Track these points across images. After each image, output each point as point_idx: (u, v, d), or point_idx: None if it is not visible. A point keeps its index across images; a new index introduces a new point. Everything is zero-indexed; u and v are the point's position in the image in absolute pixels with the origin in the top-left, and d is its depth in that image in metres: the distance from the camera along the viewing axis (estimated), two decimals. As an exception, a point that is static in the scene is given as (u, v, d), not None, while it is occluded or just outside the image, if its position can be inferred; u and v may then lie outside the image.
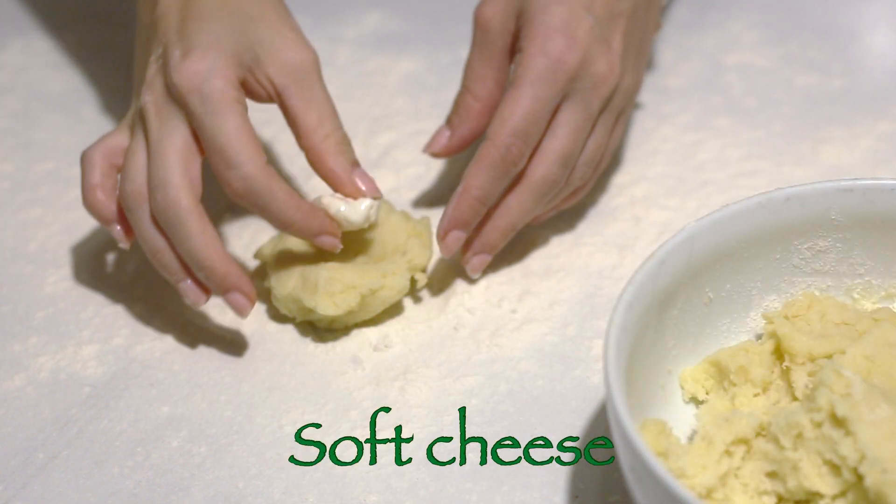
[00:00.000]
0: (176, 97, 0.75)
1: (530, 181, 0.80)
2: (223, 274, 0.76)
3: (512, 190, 0.80)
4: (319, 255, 0.80)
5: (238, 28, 0.77)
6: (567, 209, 0.87)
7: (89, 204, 0.79)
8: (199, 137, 0.76)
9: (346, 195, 0.79)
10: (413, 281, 0.82)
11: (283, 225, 0.77)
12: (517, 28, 0.81)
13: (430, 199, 0.90)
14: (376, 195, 0.80)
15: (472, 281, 0.84)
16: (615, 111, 0.82)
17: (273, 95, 0.78)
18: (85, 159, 0.79)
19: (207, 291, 0.78)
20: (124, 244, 0.80)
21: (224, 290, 0.76)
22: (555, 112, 0.79)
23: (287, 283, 0.80)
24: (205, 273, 0.76)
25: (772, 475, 0.64)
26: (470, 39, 0.83)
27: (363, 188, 0.79)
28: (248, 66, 0.77)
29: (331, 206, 0.79)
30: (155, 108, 0.76)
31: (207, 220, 0.76)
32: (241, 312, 0.77)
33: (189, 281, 0.77)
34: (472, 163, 0.79)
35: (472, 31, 0.83)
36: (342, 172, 0.78)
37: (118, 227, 0.79)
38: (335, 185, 0.79)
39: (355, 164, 0.79)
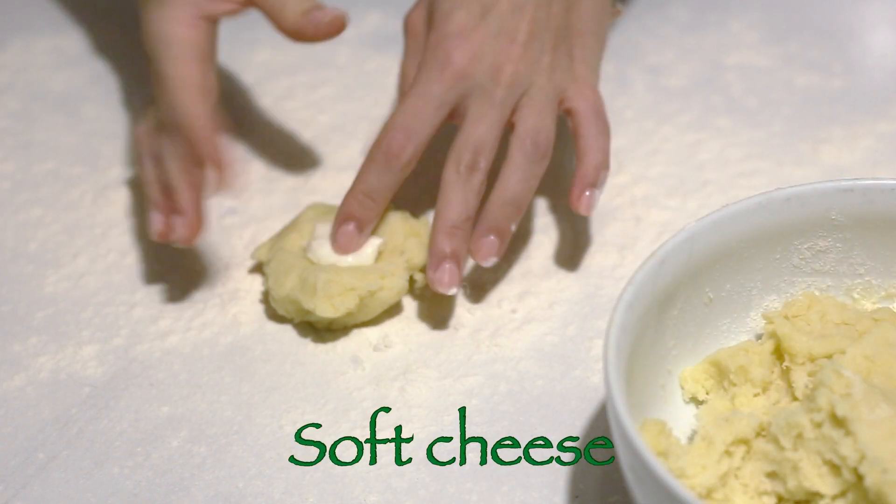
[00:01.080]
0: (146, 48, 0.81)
1: (447, 176, 0.80)
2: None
3: (439, 193, 0.81)
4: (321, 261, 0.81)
5: None
6: (566, 210, 0.87)
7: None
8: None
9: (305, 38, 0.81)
10: (412, 281, 0.82)
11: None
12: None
13: (428, 198, 0.90)
14: (335, 19, 0.80)
15: (472, 281, 0.84)
16: (549, 86, 0.82)
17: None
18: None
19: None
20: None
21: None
22: (459, 111, 0.82)
23: (285, 285, 0.80)
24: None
25: (771, 475, 0.65)
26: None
27: (318, 21, 0.80)
28: None
29: (340, 261, 0.80)
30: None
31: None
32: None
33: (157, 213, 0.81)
34: (364, 162, 0.81)
35: (403, 38, 0.86)
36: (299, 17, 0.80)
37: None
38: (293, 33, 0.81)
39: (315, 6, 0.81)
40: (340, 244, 0.81)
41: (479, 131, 0.80)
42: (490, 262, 0.80)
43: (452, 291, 0.79)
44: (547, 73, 0.83)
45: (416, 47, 0.85)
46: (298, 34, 0.81)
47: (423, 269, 0.82)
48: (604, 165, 0.81)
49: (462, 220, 0.79)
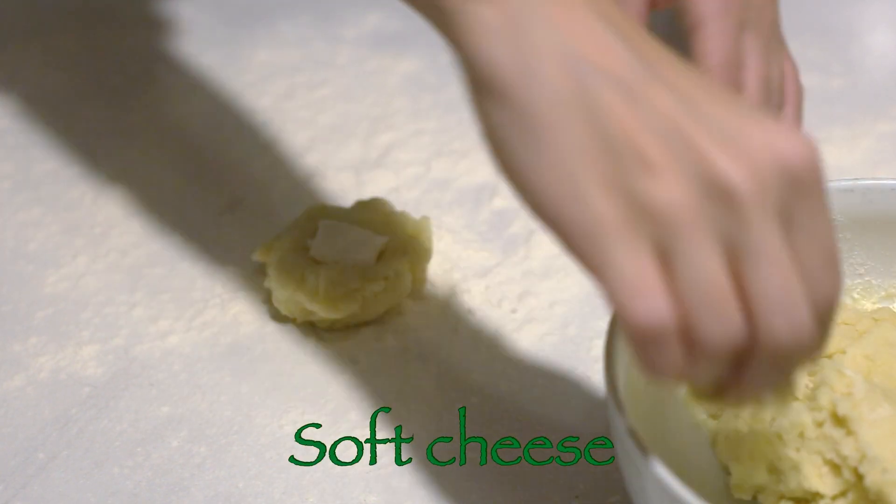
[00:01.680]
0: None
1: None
2: None
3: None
4: (322, 260, 0.81)
5: None
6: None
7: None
8: None
9: None
10: (415, 282, 0.82)
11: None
12: None
13: (430, 199, 0.90)
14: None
15: (472, 281, 0.84)
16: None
17: None
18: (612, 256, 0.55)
19: None
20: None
21: None
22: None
23: (287, 285, 0.80)
24: None
25: (767, 469, 0.64)
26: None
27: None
28: None
29: (344, 260, 0.80)
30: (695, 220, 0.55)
31: None
32: None
33: None
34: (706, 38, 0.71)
35: None
36: None
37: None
38: None
39: None
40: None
41: (763, 69, 0.74)
42: None
43: None
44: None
45: None
46: None
47: (425, 270, 0.82)
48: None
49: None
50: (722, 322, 0.52)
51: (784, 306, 0.52)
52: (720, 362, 0.53)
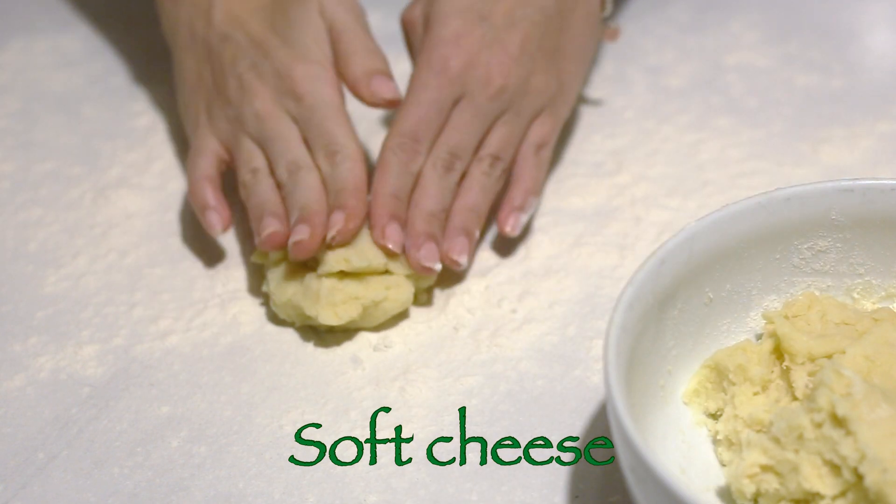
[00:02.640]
0: (291, 98, 0.83)
1: (426, 171, 0.83)
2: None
3: (415, 186, 0.83)
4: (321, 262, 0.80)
5: (322, 38, 0.86)
6: (566, 210, 0.87)
7: (196, 190, 0.85)
8: (303, 131, 0.84)
9: (360, 96, 0.84)
10: (418, 291, 0.82)
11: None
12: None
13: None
14: (394, 98, 0.84)
15: (472, 281, 0.84)
16: (526, 111, 0.85)
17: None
18: (195, 155, 0.86)
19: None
20: (216, 228, 0.84)
21: (300, 220, 0.81)
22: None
23: (287, 290, 0.80)
24: (302, 211, 0.81)
25: (766, 469, 0.64)
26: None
27: (379, 92, 0.84)
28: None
29: (352, 258, 0.80)
30: (268, 112, 0.84)
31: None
32: (297, 235, 0.80)
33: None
34: (376, 170, 0.83)
35: (403, 37, 0.89)
36: (361, 74, 0.84)
37: (215, 215, 0.84)
38: (351, 85, 0.85)
39: (380, 71, 0.85)
40: (390, 238, 0.81)
41: (460, 137, 0.83)
42: (462, 259, 0.82)
43: (438, 267, 0.81)
44: (530, 96, 0.86)
45: (416, 42, 0.87)
46: (354, 89, 0.85)
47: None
48: (533, 192, 0.85)
49: (438, 210, 0.82)
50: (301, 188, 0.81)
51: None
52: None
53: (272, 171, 0.84)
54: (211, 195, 0.84)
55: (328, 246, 0.80)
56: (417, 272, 0.81)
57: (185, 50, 0.89)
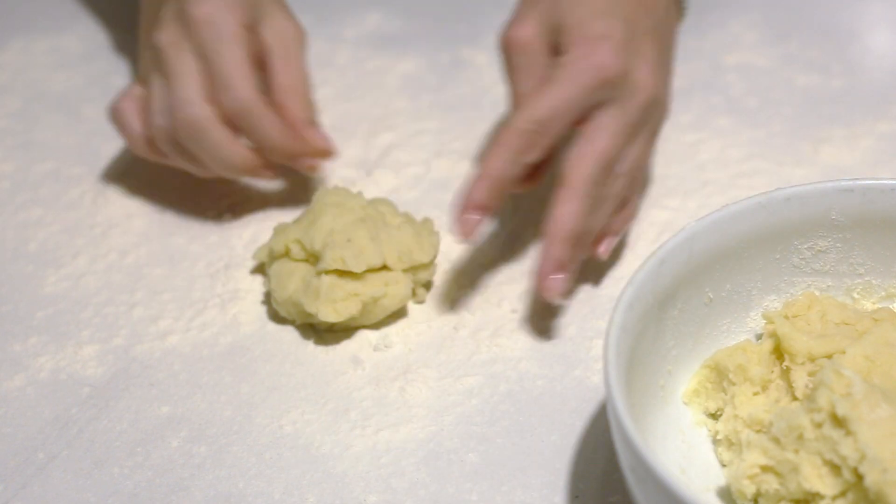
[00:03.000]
0: (192, 29, 0.83)
1: (571, 184, 0.77)
2: (250, 159, 0.85)
3: (556, 199, 0.77)
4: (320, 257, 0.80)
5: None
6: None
7: (139, 152, 0.87)
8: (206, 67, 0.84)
9: (293, 151, 0.85)
10: (417, 287, 0.82)
11: (270, 145, 0.85)
12: (557, 43, 0.79)
13: (430, 199, 0.90)
14: (327, 151, 0.85)
15: (472, 281, 0.84)
16: (654, 124, 0.81)
17: (260, 53, 0.86)
18: (118, 112, 0.88)
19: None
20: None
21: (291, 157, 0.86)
22: (587, 119, 0.78)
23: (287, 287, 0.80)
24: (235, 168, 0.85)
25: (766, 469, 0.64)
26: (469, 38, 0.83)
27: (313, 141, 0.85)
28: (251, 19, 0.85)
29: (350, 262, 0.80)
30: (170, 44, 0.84)
31: (227, 129, 0.84)
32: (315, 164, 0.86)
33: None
34: (491, 146, 0.78)
35: (504, 57, 0.80)
36: (297, 122, 0.85)
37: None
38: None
39: (313, 122, 0.86)
40: (464, 230, 0.78)
41: (608, 148, 0.77)
42: (557, 298, 0.79)
43: (559, 301, 0.79)
44: (660, 108, 0.81)
45: (530, 63, 0.79)
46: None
47: (428, 269, 0.82)
48: (633, 217, 0.83)
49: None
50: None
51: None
52: None
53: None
54: (151, 152, 0.87)
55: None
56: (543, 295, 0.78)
57: (143, 8, 0.91)
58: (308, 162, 0.86)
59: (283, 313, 0.81)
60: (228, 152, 0.84)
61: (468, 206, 0.78)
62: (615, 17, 0.78)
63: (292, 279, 0.80)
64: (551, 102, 0.76)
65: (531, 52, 0.79)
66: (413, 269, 0.81)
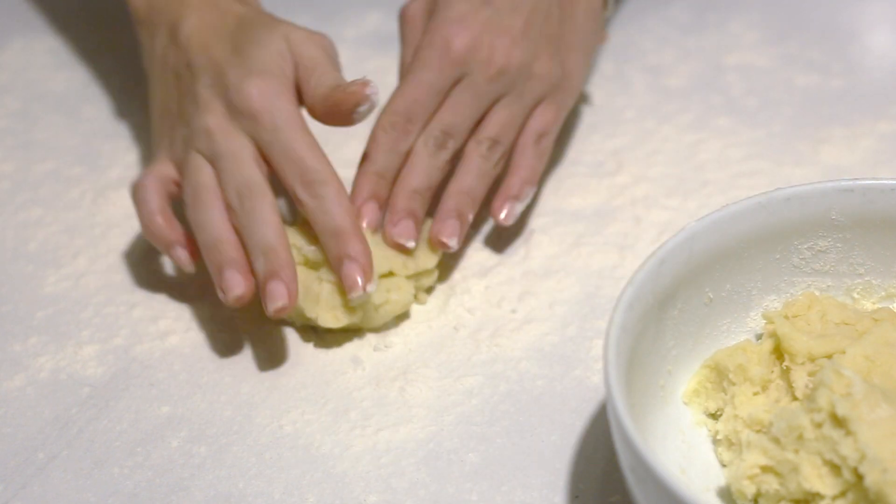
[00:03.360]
0: (246, 115, 0.79)
1: (416, 148, 0.82)
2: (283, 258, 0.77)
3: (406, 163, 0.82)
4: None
5: (285, 51, 0.81)
6: (566, 210, 0.87)
7: (153, 230, 0.80)
8: (265, 153, 0.79)
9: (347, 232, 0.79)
10: (419, 290, 0.82)
11: (332, 222, 0.78)
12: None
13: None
14: (375, 228, 0.81)
15: (472, 281, 0.84)
16: (528, 96, 0.85)
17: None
18: (139, 188, 0.81)
19: (248, 280, 0.77)
20: (189, 267, 0.80)
21: (270, 276, 0.76)
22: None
23: None
24: (266, 257, 0.77)
25: (766, 469, 0.64)
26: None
27: (364, 219, 0.81)
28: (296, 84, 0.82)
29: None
30: (219, 127, 0.79)
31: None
32: (277, 301, 0.76)
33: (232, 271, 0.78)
34: (365, 147, 0.83)
35: (399, 29, 0.88)
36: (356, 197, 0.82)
37: (182, 251, 0.80)
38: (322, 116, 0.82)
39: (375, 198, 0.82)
40: (368, 216, 0.81)
41: (455, 116, 0.83)
42: (452, 242, 0.81)
43: (411, 244, 0.80)
44: (533, 80, 0.85)
45: (414, 36, 0.86)
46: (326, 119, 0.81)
47: (431, 274, 0.82)
48: (530, 181, 0.84)
49: (423, 187, 0.82)
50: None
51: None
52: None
53: (222, 193, 0.79)
54: (168, 230, 0.80)
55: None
56: (391, 248, 0.80)
57: (158, 81, 0.85)
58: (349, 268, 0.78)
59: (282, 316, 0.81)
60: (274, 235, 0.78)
61: (362, 198, 0.81)
62: None
63: None
64: (407, 92, 0.82)
65: (414, 26, 0.87)
66: (416, 275, 0.81)
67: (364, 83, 0.79)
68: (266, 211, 0.77)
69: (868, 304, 0.74)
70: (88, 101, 1.01)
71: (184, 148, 0.81)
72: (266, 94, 0.79)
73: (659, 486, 0.59)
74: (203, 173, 0.79)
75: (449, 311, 0.82)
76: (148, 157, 0.95)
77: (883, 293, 0.74)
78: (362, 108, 0.79)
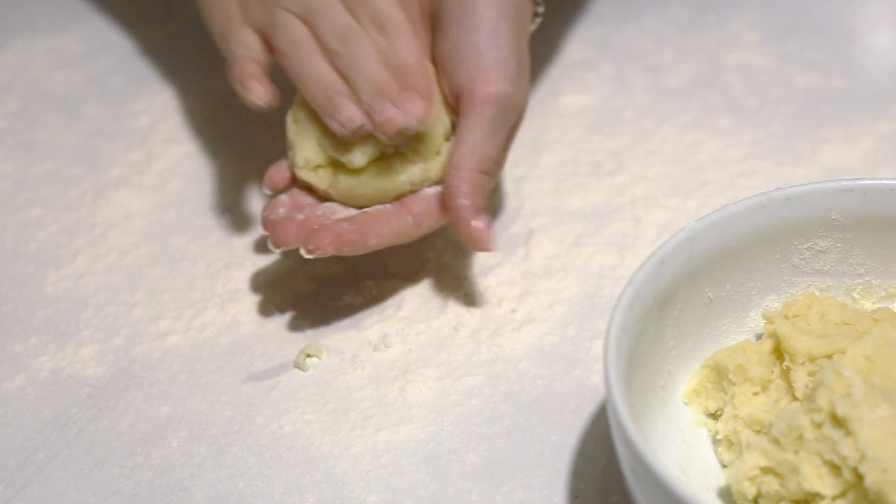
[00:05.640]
0: None
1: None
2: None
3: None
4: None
5: None
6: (566, 210, 0.87)
7: (243, 66, 0.82)
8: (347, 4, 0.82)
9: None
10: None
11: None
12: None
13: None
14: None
15: (472, 281, 0.84)
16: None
17: None
18: (239, 45, 0.83)
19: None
20: (262, 94, 0.81)
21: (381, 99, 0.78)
22: None
23: (313, 134, 0.81)
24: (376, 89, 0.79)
25: (766, 470, 0.64)
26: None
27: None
28: None
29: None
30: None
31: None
32: (415, 112, 0.78)
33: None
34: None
35: None
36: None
37: (260, 87, 0.81)
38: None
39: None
40: (483, 235, 0.79)
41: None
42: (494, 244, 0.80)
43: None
44: None
45: None
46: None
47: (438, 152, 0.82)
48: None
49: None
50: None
51: None
52: None
53: (318, 44, 0.81)
54: (257, 70, 0.82)
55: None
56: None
57: None
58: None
59: (302, 165, 0.81)
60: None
61: (477, 213, 0.78)
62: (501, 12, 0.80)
63: (318, 126, 0.81)
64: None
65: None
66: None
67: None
68: (367, 48, 0.80)
69: (868, 304, 0.74)
70: (88, 101, 1.01)
71: (267, 10, 0.83)
72: None
73: (659, 486, 0.59)
74: (298, 27, 0.82)
75: (449, 311, 0.82)
76: (149, 156, 0.95)
77: (883, 293, 0.74)
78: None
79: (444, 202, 0.79)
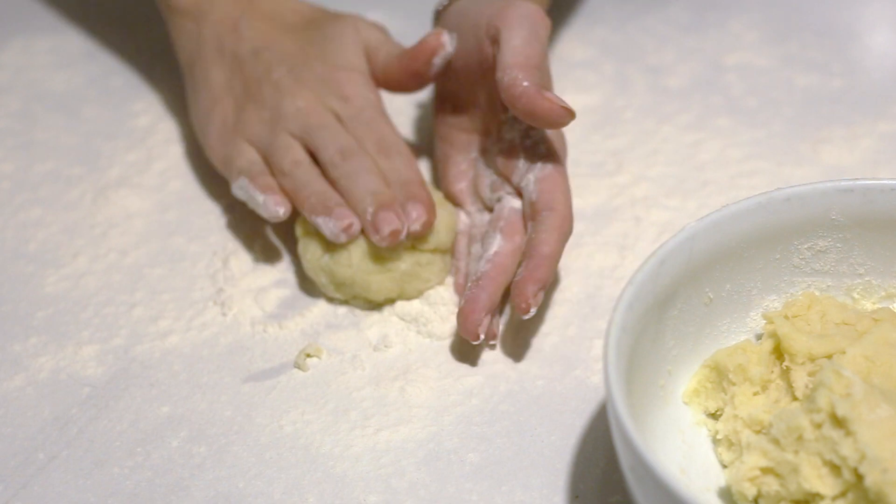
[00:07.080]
0: (338, 97, 0.86)
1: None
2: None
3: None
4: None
5: (360, 53, 0.89)
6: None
7: (269, 188, 0.83)
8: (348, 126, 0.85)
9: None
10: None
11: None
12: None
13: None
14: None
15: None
16: None
17: None
18: (244, 154, 0.85)
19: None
20: (288, 212, 0.82)
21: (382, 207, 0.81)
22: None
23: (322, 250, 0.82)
24: (374, 197, 0.81)
25: (766, 471, 0.64)
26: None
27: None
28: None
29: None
30: (311, 107, 0.85)
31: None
32: (417, 221, 0.81)
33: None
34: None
35: None
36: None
37: (287, 202, 0.82)
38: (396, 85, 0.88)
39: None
40: (537, 303, 0.78)
41: None
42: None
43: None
44: None
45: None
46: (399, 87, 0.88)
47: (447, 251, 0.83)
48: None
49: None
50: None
51: None
52: None
53: (316, 163, 0.83)
54: (275, 184, 0.83)
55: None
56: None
57: (212, 63, 0.89)
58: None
59: (313, 276, 0.82)
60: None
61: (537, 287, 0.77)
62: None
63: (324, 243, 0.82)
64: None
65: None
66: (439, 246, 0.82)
67: (438, 32, 0.84)
68: (369, 164, 0.82)
69: (868, 304, 0.74)
70: (88, 101, 1.01)
71: (266, 129, 0.85)
72: (354, 83, 0.86)
73: (659, 486, 0.59)
74: (297, 150, 0.84)
75: (449, 311, 0.82)
76: (149, 156, 0.95)
77: (883, 293, 0.74)
78: (438, 59, 0.84)
79: (508, 98, 0.79)
